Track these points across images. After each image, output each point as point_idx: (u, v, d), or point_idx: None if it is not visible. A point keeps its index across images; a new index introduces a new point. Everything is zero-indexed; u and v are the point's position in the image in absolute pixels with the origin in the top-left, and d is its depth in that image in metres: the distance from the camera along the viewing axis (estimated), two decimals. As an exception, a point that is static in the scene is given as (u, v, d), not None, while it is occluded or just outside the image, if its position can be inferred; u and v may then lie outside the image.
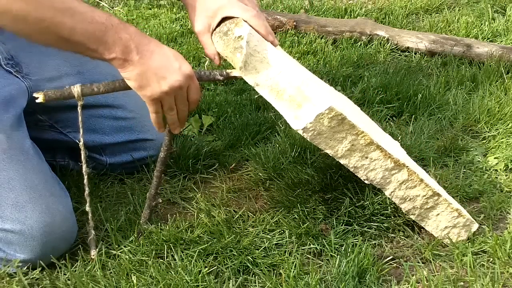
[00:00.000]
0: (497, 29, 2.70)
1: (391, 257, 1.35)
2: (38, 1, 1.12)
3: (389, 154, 1.29)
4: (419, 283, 1.26)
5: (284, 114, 1.25)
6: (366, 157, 1.29)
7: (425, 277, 1.26)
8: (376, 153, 1.28)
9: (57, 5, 1.14)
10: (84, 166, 1.28)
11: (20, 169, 1.28)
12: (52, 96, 1.20)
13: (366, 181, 1.32)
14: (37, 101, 1.19)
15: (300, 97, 1.24)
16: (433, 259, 1.34)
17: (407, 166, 1.31)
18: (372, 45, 2.55)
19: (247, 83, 1.27)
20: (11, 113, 1.33)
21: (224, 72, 1.29)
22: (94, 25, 1.16)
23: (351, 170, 1.30)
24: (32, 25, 1.14)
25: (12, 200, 1.26)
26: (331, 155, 1.28)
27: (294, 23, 2.66)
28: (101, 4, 3.13)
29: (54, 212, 1.28)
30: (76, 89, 1.22)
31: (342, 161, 1.29)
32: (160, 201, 1.44)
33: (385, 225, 1.42)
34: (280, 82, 1.25)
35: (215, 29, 1.32)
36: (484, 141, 1.85)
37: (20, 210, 1.25)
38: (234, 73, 1.28)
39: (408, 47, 2.53)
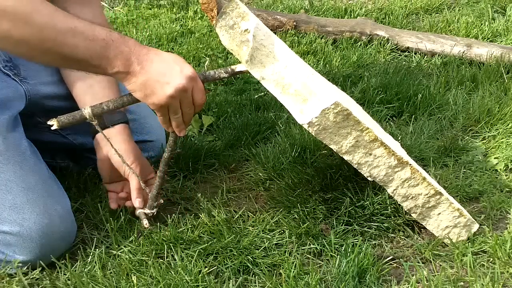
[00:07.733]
0: (497, 29, 2.70)
1: (391, 257, 1.34)
2: (40, 24, 1.12)
3: (392, 151, 1.29)
4: (419, 283, 1.26)
5: (290, 109, 1.25)
6: (370, 154, 1.29)
7: (425, 277, 1.26)
8: (380, 150, 1.29)
9: (59, 26, 1.14)
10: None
11: (17, 170, 1.28)
12: (65, 121, 1.24)
13: (369, 178, 1.32)
14: (52, 128, 1.23)
15: (305, 92, 1.24)
16: (433, 259, 1.34)
17: (410, 164, 1.31)
18: (372, 45, 2.55)
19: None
20: (6, 114, 1.33)
21: (229, 69, 1.29)
22: (95, 42, 1.17)
23: (355, 166, 1.30)
24: (34, 47, 1.14)
25: (10, 202, 1.26)
26: (335, 150, 1.28)
27: (294, 23, 2.66)
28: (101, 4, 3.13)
29: (52, 213, 1.28)
30: (87, 111, 1.26)
31: (346, 157, 1.29)
32: (162, 201, 1.44)
33: (385, 225, 1.42)
34: (286, 76, 1.26)
35: (217, 22, 1.32)
36: (484, 141, 1.85)
37: (18, 212, 1.25)
38: (239, 67, 1.28)
39: (408, 47, 2.53)
